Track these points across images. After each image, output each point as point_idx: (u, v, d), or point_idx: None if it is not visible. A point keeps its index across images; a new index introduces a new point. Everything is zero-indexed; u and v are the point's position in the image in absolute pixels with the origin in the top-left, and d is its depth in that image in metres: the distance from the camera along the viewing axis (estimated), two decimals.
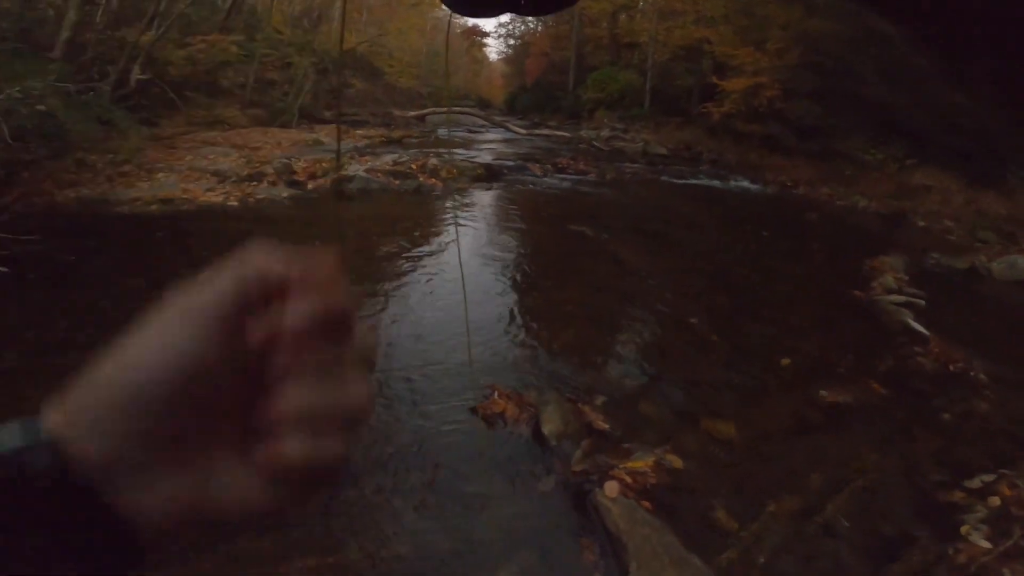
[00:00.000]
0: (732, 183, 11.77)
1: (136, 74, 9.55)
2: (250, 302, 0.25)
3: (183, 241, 5.41)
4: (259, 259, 0.25)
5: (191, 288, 0.25)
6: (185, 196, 6.67)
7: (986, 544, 2.43)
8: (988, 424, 3.43)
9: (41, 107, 5.81)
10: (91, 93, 7.92)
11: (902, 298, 5.50)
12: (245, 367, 0.25)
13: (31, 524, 0.22)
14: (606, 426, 2.98)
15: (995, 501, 2.70)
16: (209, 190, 7.00)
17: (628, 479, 2.60)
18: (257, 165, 8.23)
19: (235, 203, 6.77)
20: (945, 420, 3.44)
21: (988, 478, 2.86)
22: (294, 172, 8.17)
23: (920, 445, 3.15)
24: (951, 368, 4.11)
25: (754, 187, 11.62)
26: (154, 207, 6.24)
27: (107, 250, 5.00)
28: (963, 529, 2.51)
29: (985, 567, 2.31)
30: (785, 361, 4.00)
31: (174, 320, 0.25)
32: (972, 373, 4.03)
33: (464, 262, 5.53)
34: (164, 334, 0.25)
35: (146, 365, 0.24)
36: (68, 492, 0.23)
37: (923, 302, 5.42)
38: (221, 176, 7.56)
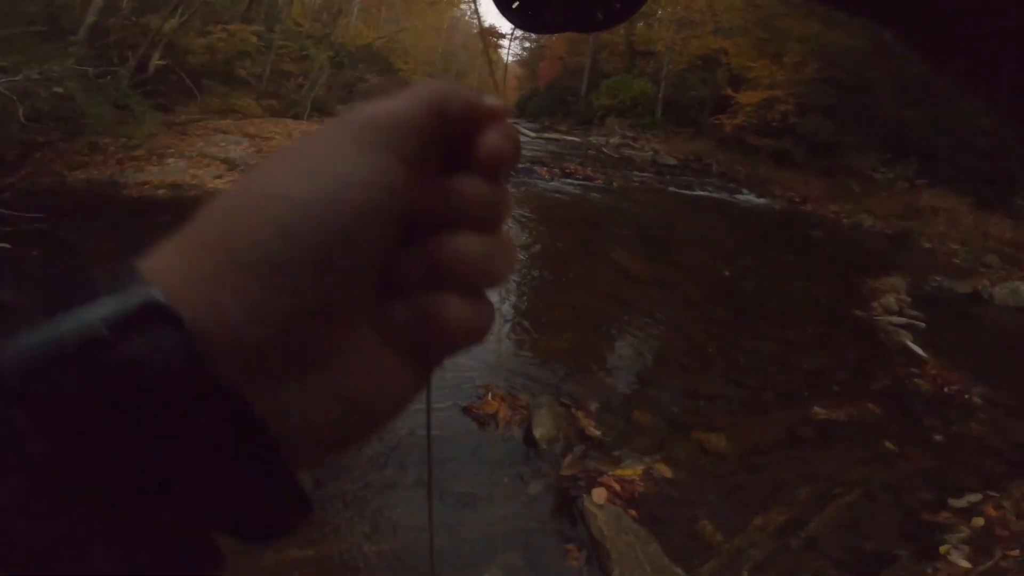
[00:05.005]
0: (739, 197, 11.75)
1: (155, 60, 9.63)
2: (439, 126, 0.20)
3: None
4: (442, 87, 0.21)
5: (360, 107, 0.20)
6: (193, 182, 6.72)
7: (966, 564, 2.44)
8: (979, 446, 3.45)
9: (59, 89, 5.86)
10: (109, 77, 7.98)
11: (902, 320, 5.49)
12: (409, 206, 0.20)
13: (159, 436, 0.15)
14: (598, 432, 2.99)
15: (979, 522, 2.72)
16: (217, 177, 7.05)
17: (616, 486, 2.61)
18: (267, 155, 8.27)
19: None
20: (937, 441, 3.44)
21: (974, 498, 2.88)
22: None
23: (909, 464, 3.16)
24: (946, 390, 4.11)
25: (761, 201, 11.60)
26: (161, 192, 6.29)
27: (111, 232, 5.05)
28: (942, 548, 2.52)
29: None
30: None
31: (342, 139, 0.19)
32: (967, 396, 4.03)
33: None
34: (328, 157, 0.19)
35: (307, 199, 0.18)
36: (205, 390, 0.15)
37: (923, 324, 5.41)
38: (231, 164, 7.61)
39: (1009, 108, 0.26)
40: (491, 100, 0.21)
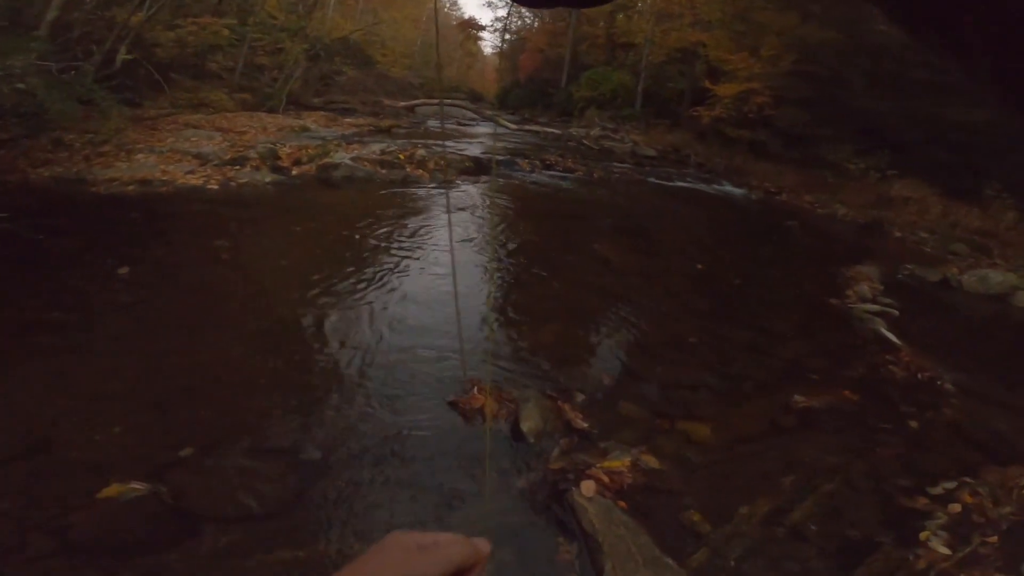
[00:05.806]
0: (717, 187, 11.88)
1: (122, 54, 9.31)
2: None
3: (158, 223, 5.31)
4: (463, 551, 0.39)
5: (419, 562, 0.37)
6: (164, 178, 6.54)
7: (945, 550, 2.49)
8: (953, 432, 3.53)
9: (21, 85, 5.64)
10: (73, 72, 7.70)
11: (876, 307, 5.62)
12: None
13: None
14: (585, 425, 3.00)
15: (956, 508, 2.77)
16: (189, 172, 6.87)
17: (605, 478, 2.62)
18: (241, 149, 8.09)
19: (215, 186, 6.66)
20: (912, 427, 3.52)
21: (950, 485, 2.93)
22: (279, 157, 8.05)
23: (887, 451, 3.23)
24: (920, 377, 4.21)
25: (738, 192, 11.75)
26: (131, 188, 6.10)
27: (79, 230, 4.89)
28: (923, 535, 2.57)
29: (944, 573, 2.37)
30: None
31: None
32: (940, 382, 4.13)
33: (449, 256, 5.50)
34: None
35: None
36: None
37: (896, 312, 5.54)
38: (203, 159, 7.42)
39: (994, 83, 0.24)
40: (481, 545, 0.41)
